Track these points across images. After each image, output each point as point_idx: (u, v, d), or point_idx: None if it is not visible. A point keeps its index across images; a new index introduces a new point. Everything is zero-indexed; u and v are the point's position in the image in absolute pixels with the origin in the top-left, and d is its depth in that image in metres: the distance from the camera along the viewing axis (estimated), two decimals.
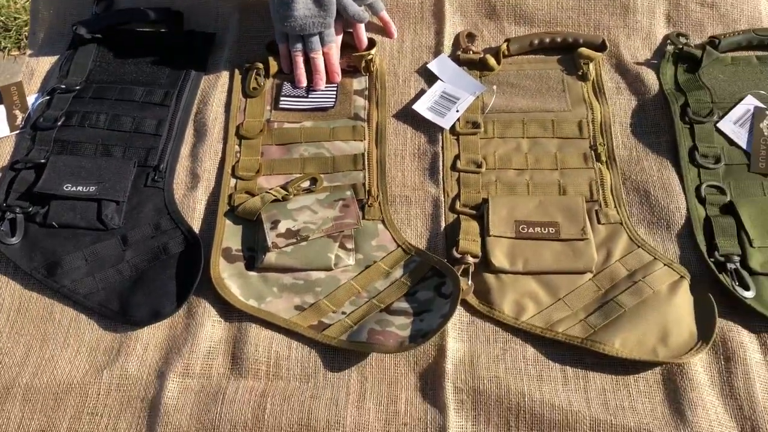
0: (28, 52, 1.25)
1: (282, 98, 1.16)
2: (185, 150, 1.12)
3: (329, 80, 1.18)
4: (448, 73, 1.17)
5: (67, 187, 1.05)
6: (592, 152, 1.09)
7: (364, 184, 1.08)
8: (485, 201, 1.04)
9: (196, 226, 1.05)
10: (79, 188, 1.05)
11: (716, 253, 0.98)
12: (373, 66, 1.19)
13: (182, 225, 1.04)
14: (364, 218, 1.04)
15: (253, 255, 1.02)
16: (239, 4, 1.24)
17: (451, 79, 1.16)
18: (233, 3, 1.24)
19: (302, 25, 1.12)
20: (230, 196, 1.07)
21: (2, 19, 2.27)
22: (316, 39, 1.15)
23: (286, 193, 1.06)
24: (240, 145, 1.12)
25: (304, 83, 1.17)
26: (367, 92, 1.17)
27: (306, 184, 1.08)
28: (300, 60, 1.17)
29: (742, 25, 1.20)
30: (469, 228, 1.02)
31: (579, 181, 1.06)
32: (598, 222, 1.02)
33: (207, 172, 1.09)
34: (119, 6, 1.26)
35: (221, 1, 1.25)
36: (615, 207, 1.04)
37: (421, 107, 1.14)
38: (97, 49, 1.21)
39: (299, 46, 1.16)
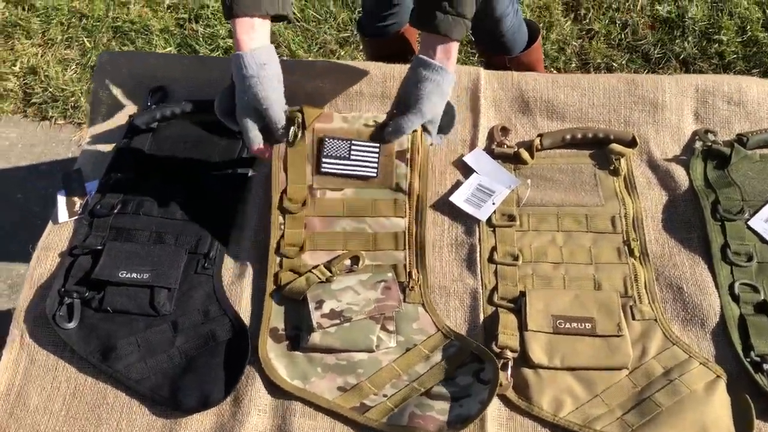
0: (87, 139, 1.32)
1: (324, 160, 1.16)
2: (233, 238, 1.17)
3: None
4: (483, 166, 1.22)
5: (122, 274, 1.10)
6: (626, 247, 1.12)
7: (405, 266, 1.11)
8: (522, 294, 1.08)
9: (244, 310, 1.10)
10: (134, 275, 1.10)
11: (752, 353, 1.00)
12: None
13: (230, 312, 1.09)
14: (405, 301, 1.08)
15: (298, 334, 1.07)
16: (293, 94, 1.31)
17: (487, 172, 1.21)
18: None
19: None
20: (276, 275, 1.12)
21: (51, 90, 2.39)
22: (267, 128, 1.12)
23: (330, 274, 1.10)
24: (284, 217, 1.15)
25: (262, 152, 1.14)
26: (408, 155, 1.17)
27: (348, 262, 1.12)
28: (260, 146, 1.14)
29: None
30: (508, 322, 1.05)
31: (613, 276, 1.10)
32: (633, 318, 1.05)
33: (253, 259, 1.14)
34: (173, 96, 1.33)
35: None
36: (649, 303, 1.07)
37: (459, 199, 1.19)
38: (151, 139, 1.27)
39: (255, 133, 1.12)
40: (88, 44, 2.48)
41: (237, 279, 1.13)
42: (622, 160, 1.21)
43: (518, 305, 1.07)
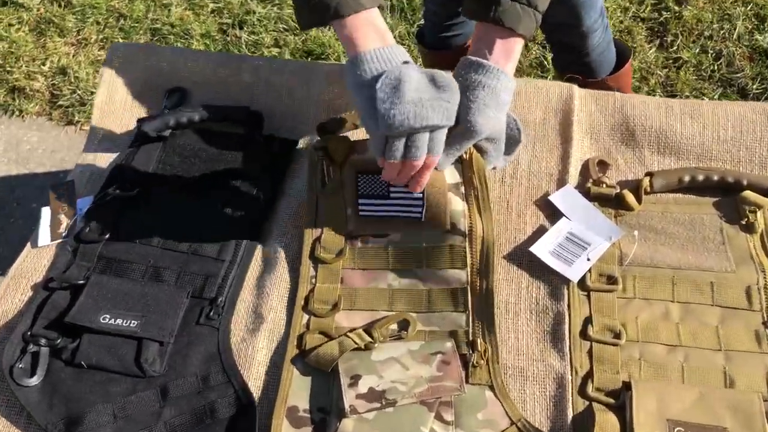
0: (85, 146, 1.09)
1: (360, 201, 0.93)
2: (250, 281, 0.92)
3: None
4: (575, 209, 0.95)
5: (104, 319, 0.86)
6: (767, 331, 0.84)
7: (467, 332, 0.85)
8: (626, 387, 0.80)
9: (255, 378, 0.84)
10: (119, 321, 0.86)
11: None
12: (467, 153, 0.93)
13: (236, 380, 0.83)
14: (467, 381, 0.81)
15: (324, 418, 0.81)
16: (326, 106, 1.06)
17: (580, 218, 0.94)
18: (320, 105, 1.07)
19: (416, 113, 0.78)
20: (300, 337, 0.86)
21: (80, 92, 2.20)
22: (423, 139, 0.80)
23: (370, 340, 0.84)
24: (316, 269, 0.92)
25: (392, 181, 0.86)
26: (464, 189, 0.93)
27: (395, 326, 0.86)
28: (394, 167, 0.83)
29: None
30: (607, 425, 0.77)
31: (751, 371, 0.81)
32: None
33: (273, 311, 0.89)
34: (192, 100, 1.10)
35: (306, 104, 1.07)
36: None
37: (542, 250, 0.92)
38: (162, 149, 1.04)
39: (397, 150, 0.81)
40: None
41: (249, 336, 0.87)
42: (759, 214, 0.93)
43: (621, 401, 0.79)
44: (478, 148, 0.91)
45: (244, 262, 0.94)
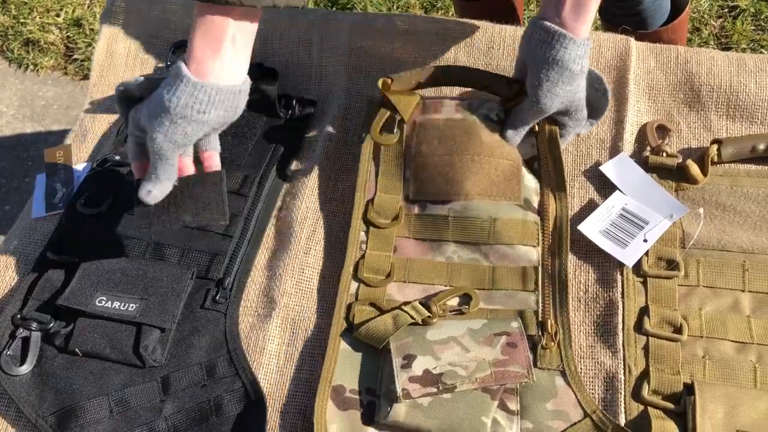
0: (86, 105, 1.00)
1: None
2: (261, 260, 0.83)
3: None
4: (630, 181, 0.83)
5: (100, 302, 0.77)
6: None
7: (536, 312, 0.76)
8: (688, 390, 0.70)
9: (264, 373, 0.75)
10: (116, 304, 0.77)
11: None
12: (539, 126, 0.83)
13: (244, 373, 0.75)
14: (535, 366, 0.72)
15: (373, 401, 0.73)
16: (348, 63, 0.95)
17: (636, 192, 0.82)
18: (341, 61, 0.95)
19: None
20: (349, 308, 0.78)
21: (96, 45, 2.10)
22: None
23: (428, 314, 0.75)
24: (367, 234, 0.82)
25: None
26: (537, 165, 0.84)
27: (455, 301, 0.77)
28: None
29: None
30: None
31: None
32: None
33: (287, 295, 0.79)
34: None
35: (327, 60, 0.96)
36: None
37: (591, 229, 0.80)
38: None
39: None
40: None
41: (260, 322, 0.78)
42: None
43: (682, 406, 0.69)
44: (553, 121, 0.81)
45: (255, 238, 0.84)
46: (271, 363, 0.76)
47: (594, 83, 0.81)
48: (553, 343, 0.73)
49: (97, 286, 0.79)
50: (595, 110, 0.83)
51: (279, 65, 0.96)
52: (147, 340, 0.76)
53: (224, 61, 0.70)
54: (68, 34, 2.16)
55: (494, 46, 0.92)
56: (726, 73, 0.88)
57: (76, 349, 0.76)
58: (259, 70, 0.95)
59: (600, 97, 0.82)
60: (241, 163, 0.89)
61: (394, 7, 2.06)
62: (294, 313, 0.79)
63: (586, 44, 0.74)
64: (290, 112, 0.93)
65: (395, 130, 0.84)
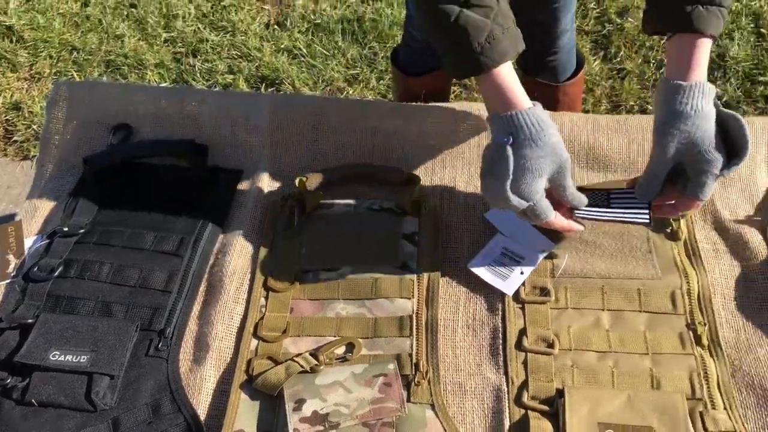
0: (32, 186, 1.11)
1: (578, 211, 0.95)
2: (196, 311, 0.95)
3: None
4: (509, 225, 0.99)
5: (54, 356, 0.88)
6: (690, 333, 0.88)
7: (410, 355, 0.88)
8: (560, 393, 0.84)
9: (202, 409, 0.86)
10: (68, 357, 0.88)
11: None
12: (424, 207, 1.02)
13: (185, 409, 0.85)
14: (409, 401, 0.85)
15: None
16: (272, 139, 1.10)
17: (514, 233, 0.98)
18: (265, 137, 1.10)
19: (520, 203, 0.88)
20: (249, 363, 0.89)
21: (35, 127, 2.20)
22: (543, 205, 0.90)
23: (316, 362, 0.87)
24: (267, 299, 0.95)
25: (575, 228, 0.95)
26: (417, 237, 0.99)
27: (341, 350, 0.89)
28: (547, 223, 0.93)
29: None
30: (541, 431, 0.81)
31: (676, 373, 0.85)
32: (705, 429, 0.81)
33: (219, 339, 0.91)
34: (138, 137, 1.12)
35: (252, 136, 1.10)
36: (725, 409, 0.82)
37: (478, 267, 0.96)
38: (108, 186, 1.06)
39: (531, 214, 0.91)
40: (78, 78, 2.30)
41: (197, 365, 0.90)
42: (682, 222, 0.98)
43: (554, 408, 0.83)
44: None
45: (191, 293, 0.96)
46: (209, 399, 0.87)
47: (729, 120, 0.87)
48: (424, 381, 0.86)
49: (51, 342, 0.89)
50: (737, 149, 0.87)
51: (210, 141, 1.10)
52: (98, 387, 0.86)
53: None
54: (7, 117, 2.26)
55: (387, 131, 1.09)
56: (583, 132, 1.06)
57: (33, 400, 0.86)
58: (191, 146, 1.09)
59: (738, 134, 0.87)
60: (177, 227, 1.02)
61: (320, 80, 2.24)
62: (225, 355, 0.90)
63: (709, 92, 0.84)
64: (220, 181, 1.07)
65: (296, 221, 1.00)
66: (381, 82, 2.23)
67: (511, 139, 0.85)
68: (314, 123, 1.08)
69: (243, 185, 1.07)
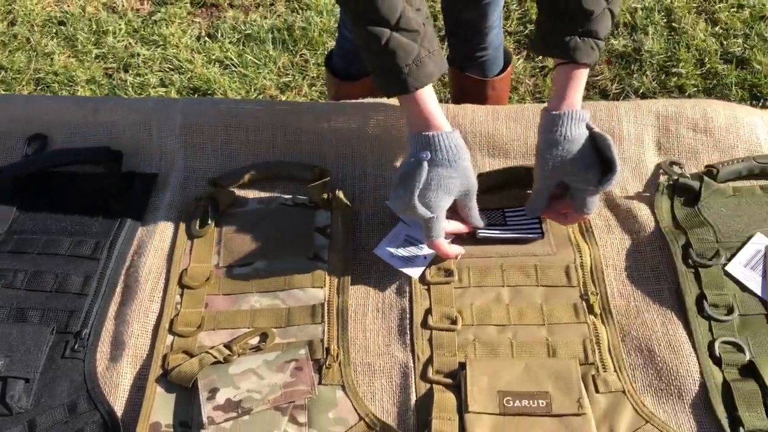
0: None
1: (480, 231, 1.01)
2: (113, 311, 0.97)
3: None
4: None
5: None
6: (584, 303, 0.94)
7: (322, 341, 0.92)
8: (462, 366, 0.89)
9: (119, 405, 0.88)
10: None
11: (741, 429, 0.81)
12: (336, 201, 1.06)
13: (102, 406, 0.87)
14: (320, 383, 0.88)
15: None
16: (184, 141, 1.12)
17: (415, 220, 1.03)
18: (178, 140, 1.13)
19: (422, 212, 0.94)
20: (164, 358, 0.92)
21: None
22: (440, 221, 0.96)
23: (229, 353, 0.90)
24: (182, 296, 0.97)
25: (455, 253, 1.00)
26: (329, 230, 1.03)
27: (255, 340, 0.92)
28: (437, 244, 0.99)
29: (740, 152, 1.08)
30: (444, 402, 0.85)
31: (570, 340, 0.91)
32: (596, 391, 0.86)
33: (134, 337, 0.93)
34: (53, 146, 1.14)
35: (165, 140, 1.13)
36: (615, 371, 0.88)
37: (384, 252, 1.00)
38: (23, 195, 1.07)
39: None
40: None
41: (113, 363, 0.92)
42: None
43: (457, 380, 0.88)
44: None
45: (107, 294, 0.98)
46: (126, 395, 0.89)
47: (598, 139, 0.93)
48: (335, 363, 0.90)
49: None
50: (610, 164, 0.92)
51: (125, 148, 1.12)
52: (12, 391, 0.88)
53: None
54: None
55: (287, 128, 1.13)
56: (484, 122, 1.12)
57: None
58: (106, 153, 1.11)
59: (607, 152, 0.92)
60: (93, 231, 1.04)
61: (252, 89, 2.27)
62: (141, 352, 0.93)
63: (561, 116, 0.92)
64: (135, 186, 1.09)
65: (210, 220, 1.04)
66: (313, 88, 2.27)
67: (429, 156, 0.91)
68: (226, 124, 1.12)
69: (158, 188, 1.10)
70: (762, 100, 2.12)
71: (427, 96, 0.93)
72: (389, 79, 0.91)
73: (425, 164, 0.91)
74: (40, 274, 0.99)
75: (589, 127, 0.94)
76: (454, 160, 0.92)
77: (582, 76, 0.95)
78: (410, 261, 0.99)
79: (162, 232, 1.04)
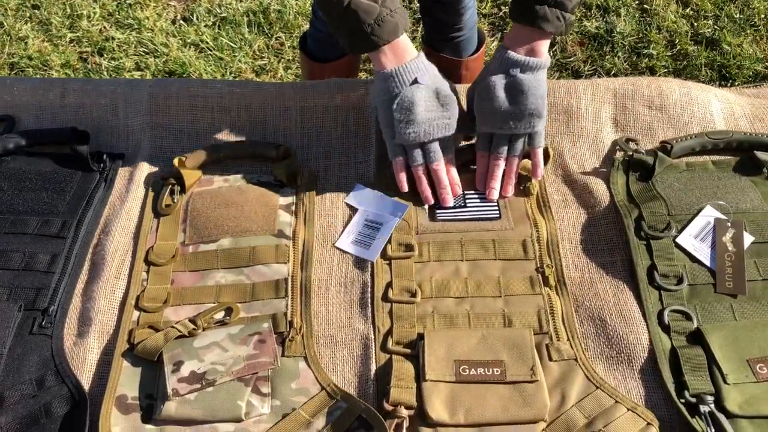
0: None
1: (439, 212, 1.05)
2: (79, 288, 0.99)
3: (453, 193, 1.06)
4: (367, 200, 1.07)
5: None
6: (539, 275, 0.97)
7: (285, 314, 0.94)
8: (421, 337, 0.91)
9: (86, 379, 0.90)
10: None
11: (686, 392, 0.84)
12: (301, 178, 1.08)
13: (69, 380, 0.89)
14: (283, 355, 0.91)
15: (152, 404, 0.88)
16: (151, 121, 1.14)
17: (372, 205, 1.06)
18: (145, 120, 1.14)
19: (426, 130, 1.01)
20: (131, 332, 0.94)
21: None
22: (437, 147, 1.04)
23: (193, 327, 0.92)
24: (148, 273, 0.99)
25: (431, 200, 1.05)
26: (294, 207, 1.05)
27: (219, 315, 0.95)
28: (422, 174, 1.05)
29: (694, 128, 1.11)
30: (403, 372, 0.88)
31: (526, 310, 0.94)
32: (550, 359, 0.89)
33: (101, 313, 0.95)
34: (21, 128, 1.15)
35: (132, 120, 1.14)
36: (568, 340, 0.91)
37: (345, 243, 1.02)
38: None
39: (419, 157, 1.04)
40: None
41: (81, 338, 0.93)
42: (534, 182, 1.07)
43: (415, 351, 0.91)
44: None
45: (74, 272, 1.00)
46: (93, 369, 0.91)
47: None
48: (298, 335, 0.92)
49: None
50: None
51: (91, 128, 1.13)
52: None
53: None
54: None
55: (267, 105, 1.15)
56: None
57: None
58: (72, 133, 1.12)
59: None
60: (60, 211, 1.05)
61: (227, 72, 2.28)
62: (108, 328, 0.95)
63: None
64: (102, 165, 1.11)
65: (176, 199, 1.06)
66: (289, 71, 2.27)
67: (418, 79, 1.00)
68: (191, 104, 1.13)
69: (125, 168, 1.11)
70: (730, 80, 2.16)
71: (401, 40, 0.99)
72: (354, 38, 0.98)
73: (419, 85, 0.99)
74: (7, 252, 1.00)
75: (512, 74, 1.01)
76: (425, 74, 1.01)
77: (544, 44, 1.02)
78: (368, 245, 1.01)
79: (128, 211, 1.06)
